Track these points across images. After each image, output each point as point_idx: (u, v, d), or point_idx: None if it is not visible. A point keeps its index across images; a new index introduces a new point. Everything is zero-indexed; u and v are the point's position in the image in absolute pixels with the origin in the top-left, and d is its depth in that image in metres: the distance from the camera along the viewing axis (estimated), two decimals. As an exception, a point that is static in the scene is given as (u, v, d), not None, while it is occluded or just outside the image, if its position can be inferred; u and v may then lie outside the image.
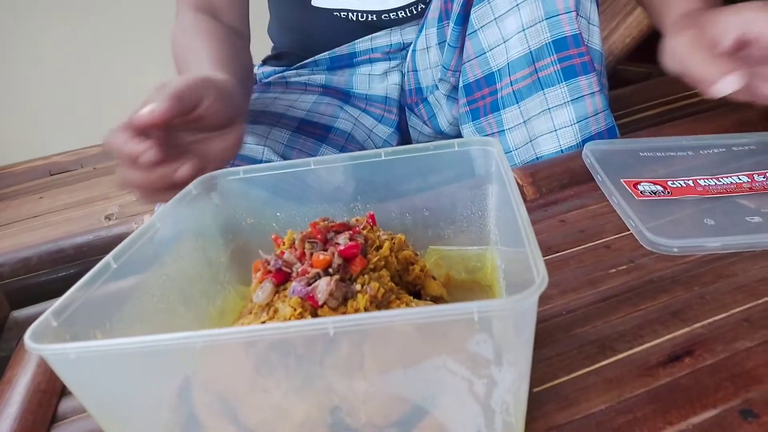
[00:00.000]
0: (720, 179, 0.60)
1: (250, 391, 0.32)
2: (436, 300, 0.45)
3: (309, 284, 0.36)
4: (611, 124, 0.71)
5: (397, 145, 0.95)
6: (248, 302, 0.42)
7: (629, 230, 0.55)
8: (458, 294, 0.49)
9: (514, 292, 0.29)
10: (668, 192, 0.59)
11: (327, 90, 0.94)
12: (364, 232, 0.43)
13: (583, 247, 0.54)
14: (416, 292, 0.45)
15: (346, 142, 0.88)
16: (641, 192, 0.59)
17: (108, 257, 0.38)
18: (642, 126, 1.02)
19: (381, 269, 0.41)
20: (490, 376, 0.30)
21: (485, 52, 0.72)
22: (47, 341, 0.32)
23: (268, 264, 0.39)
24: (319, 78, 0.95)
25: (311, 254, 0.39)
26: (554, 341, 0.44)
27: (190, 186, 0.47)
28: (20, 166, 1.45)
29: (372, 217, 0.46)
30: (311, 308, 0.36)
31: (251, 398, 0.32)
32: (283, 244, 0.43)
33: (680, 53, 0.57)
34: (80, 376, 0.32)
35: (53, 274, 0.90)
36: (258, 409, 0.32)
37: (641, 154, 0.67)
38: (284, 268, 0.39)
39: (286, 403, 0.31)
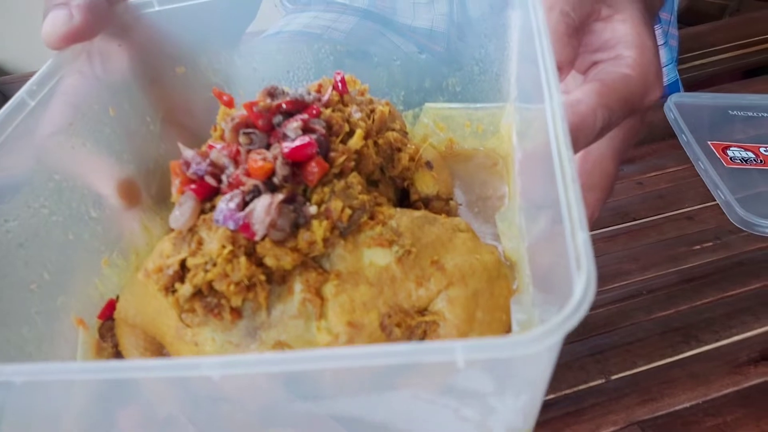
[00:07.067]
0: (820, 150, 0.55)
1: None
2: (430, 202, 0.33)
3: (244, 204, 0.26)
4: (674, 78, 0.67)
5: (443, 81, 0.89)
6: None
7: (715, 201, 0.51)
8: (461, 169, 0.37)
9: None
10: (761, 160, 0.54)
11: (368, 14, 0.88)
12: (327, 111, 0.29)
13: (663, 216, 0.51)
14: (404, 189, 0.34)
15: None
16: (731, 159, 0.54)
17: None
18: (719, 69, 0.95)
19: (350, 172, 0.28)
20: (487, 404, 0.21)
21: None
22: None
23: (188, 167, 0.27)
24: (361, 1, 0.89)
25: (248, 152, 0.27)
26: (633, 324, 0.41)
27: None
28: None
29: (343, 81, 0.32)
30: (247, 243, 0.25)
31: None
32: (214, 130, 0.31)
33: None
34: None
35: None
36: None
37: (730, 112, 0.61)
38: (208, 177, 0.27)
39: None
